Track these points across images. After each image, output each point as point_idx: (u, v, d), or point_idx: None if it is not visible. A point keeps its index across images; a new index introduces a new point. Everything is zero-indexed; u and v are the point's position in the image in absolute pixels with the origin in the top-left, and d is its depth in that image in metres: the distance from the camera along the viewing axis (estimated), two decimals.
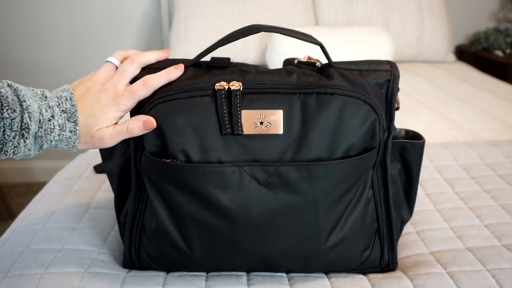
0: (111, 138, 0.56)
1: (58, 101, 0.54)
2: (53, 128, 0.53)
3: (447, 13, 1.96)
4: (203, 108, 0.54)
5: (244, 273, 0.62)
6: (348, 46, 1.63)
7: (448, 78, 1.72)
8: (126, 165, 0.62)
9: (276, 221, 0.55)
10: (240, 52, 1.78)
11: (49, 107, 0.53)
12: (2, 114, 0.49)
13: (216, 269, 0.61)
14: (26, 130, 0.50)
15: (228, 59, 0.59)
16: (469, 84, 1.65)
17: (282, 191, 0.55)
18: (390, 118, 0.59)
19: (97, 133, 0.55)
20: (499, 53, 2.14)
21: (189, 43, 1.78)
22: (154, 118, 0.55)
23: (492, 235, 0.70)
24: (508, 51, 2.13)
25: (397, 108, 0.60)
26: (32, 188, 2.12)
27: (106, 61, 0.59)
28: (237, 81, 0.55)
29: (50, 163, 2.19)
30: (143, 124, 0.54)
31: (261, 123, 0.55)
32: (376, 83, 0.58)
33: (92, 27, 2.09)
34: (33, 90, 0.53)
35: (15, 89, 0.51)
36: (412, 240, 0.71)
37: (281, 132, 0.55)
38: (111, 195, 0.81)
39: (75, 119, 0.54)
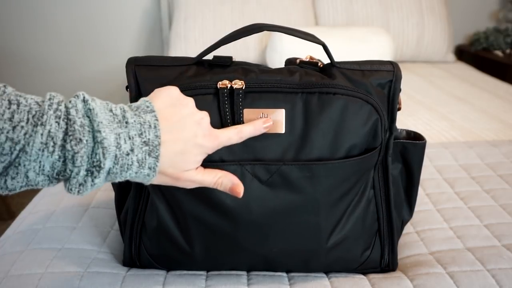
0: (196, 185, 0.49)
1: (140, 129, 0.43)
2: (130, 165, 0.42)
3: (447, 13, 1.96)
4: (205, 106, 0.54)
5: (244, 272, 0.62)
6: (348, 46, 1.63)
7: (448, 78, 1.72)
8: None
9: (277, 220, 0.55)
10: (240, 52, 1.78)
11: (129, 138, 0.42)
12: (64, 141, 0.39)
13: (217, 267, 0.61)
14: (97, 168, 0.40)
15: (231, 57, 0.59)
16: (469, 84, 1.65)
17: (283, 190, 0.55)
18: (392, 118, 0.59)
19: (186, 174, 0.47)
20: (499, 53, 2.14)
21: (189, 43, 1.78)
22: None
23: (492, 235, 0.70)
24: (508, 51, 2.13)
25: (399, 109, 0.60)
26: (32, 188, 2.12)
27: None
28: (240, 79, 0.55)
29: None
30: (230, 187, 0.50)
31: None
32: (379, 83, 0.58)
33: (92, 27, 2.09)
34: (111, 110, 0.42)
35: (89, 108, 0.41)
36: (412, 240, 0.71)
37: (283, 131, 0.55)
38: (111, 194, 0.81)
39: (157, 154, 0.43)
